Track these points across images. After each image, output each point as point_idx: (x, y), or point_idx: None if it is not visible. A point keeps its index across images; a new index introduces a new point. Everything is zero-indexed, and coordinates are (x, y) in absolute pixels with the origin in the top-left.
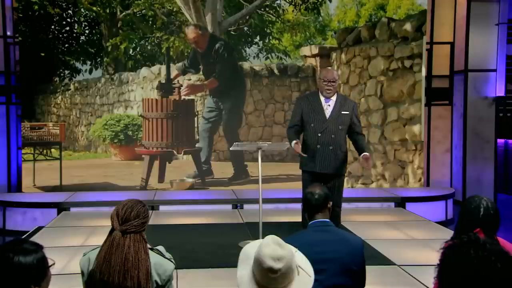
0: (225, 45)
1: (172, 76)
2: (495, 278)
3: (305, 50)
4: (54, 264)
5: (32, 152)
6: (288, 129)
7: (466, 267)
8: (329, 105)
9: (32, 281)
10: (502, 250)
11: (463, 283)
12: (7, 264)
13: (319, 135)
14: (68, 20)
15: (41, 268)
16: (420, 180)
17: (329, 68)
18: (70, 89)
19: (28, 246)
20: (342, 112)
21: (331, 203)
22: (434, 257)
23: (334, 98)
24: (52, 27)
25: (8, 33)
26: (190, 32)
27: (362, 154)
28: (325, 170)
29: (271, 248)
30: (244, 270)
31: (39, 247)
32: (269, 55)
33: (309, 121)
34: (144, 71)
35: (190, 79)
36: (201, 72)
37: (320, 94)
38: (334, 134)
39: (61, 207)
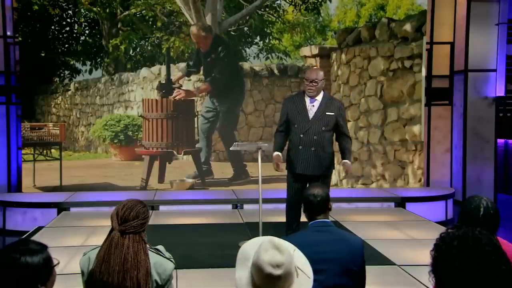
0: (227, 49)
1: (175, 78)
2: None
3: (305, 51)
4: (58, 263)
5: (32, 152)
6: (275, 134)
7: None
8: (313, 106)
9: (39, 281)
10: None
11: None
12: (14, 264)
13: (301, 136)
14: (68, 20)
15: (47, 268)
16: (420, 180)
17: (314, 68)
18: (70, 90)
19: (34, 246)
20: (327, 113)
21: (331, 203)
22: None
23: (319, 98)
24: (52, 27)
25: (8, 33)
26: (194, 32)
27: (342, 162)
28: (305, 172)
29: (270, 254)
30: (243, 271)
31: (44, 247)
32: (269, 55)
33: (293, 122)
34: (144, 71)
35: (190, 79)
36: (201, 72)
37: (305, 94)
38: (317, 135)
39: (61, 207)
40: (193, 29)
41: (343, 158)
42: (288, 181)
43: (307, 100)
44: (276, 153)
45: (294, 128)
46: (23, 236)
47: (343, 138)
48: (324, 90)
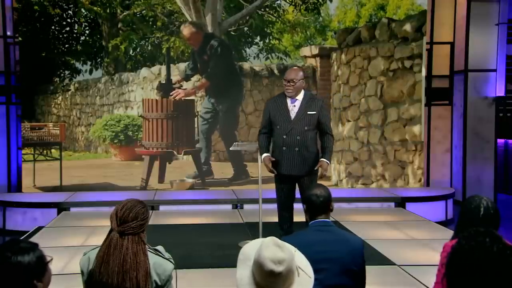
0: (219, 43)
1: (175, 80)
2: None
3: (305, 51)
4: (52, 259)
5: (32, 152)
6: (259, 135)
7: (481, 258)
8: (294, 106)
9: (34, 277)
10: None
11: (476, 274)
12: (6, 263)
13: (284, 136)
14: (68, 20)
15: (41, 264)
16: (420, 180)
17: (294, 68)
18: (70, 90)
19: (24, 245)
20: (308, 112)
21: (333, 204)
22: (434, 257)
23: (300, 98)
24: (52, 27)
25: (8, 33)
26: (185, 30)
27: (320, 160)
28: (290, 172)
29: (272, 251)
30: (244, 270)
31: (35, 245)
32: (269, 55)
33: (276, 123)
34: (144, 71)
35: (190, 80)
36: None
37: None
38: (300, 135)
39: (61, 207)
40: (183, 27)
41: (321, 157)
42: (275, 182)
43: (288, 100)
44: (265, 155)
45: (277, 129)
46: (23, 236)
47: (324, 136)
48: (304, 89)
